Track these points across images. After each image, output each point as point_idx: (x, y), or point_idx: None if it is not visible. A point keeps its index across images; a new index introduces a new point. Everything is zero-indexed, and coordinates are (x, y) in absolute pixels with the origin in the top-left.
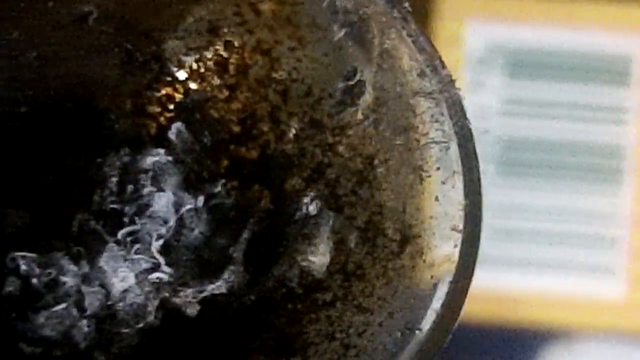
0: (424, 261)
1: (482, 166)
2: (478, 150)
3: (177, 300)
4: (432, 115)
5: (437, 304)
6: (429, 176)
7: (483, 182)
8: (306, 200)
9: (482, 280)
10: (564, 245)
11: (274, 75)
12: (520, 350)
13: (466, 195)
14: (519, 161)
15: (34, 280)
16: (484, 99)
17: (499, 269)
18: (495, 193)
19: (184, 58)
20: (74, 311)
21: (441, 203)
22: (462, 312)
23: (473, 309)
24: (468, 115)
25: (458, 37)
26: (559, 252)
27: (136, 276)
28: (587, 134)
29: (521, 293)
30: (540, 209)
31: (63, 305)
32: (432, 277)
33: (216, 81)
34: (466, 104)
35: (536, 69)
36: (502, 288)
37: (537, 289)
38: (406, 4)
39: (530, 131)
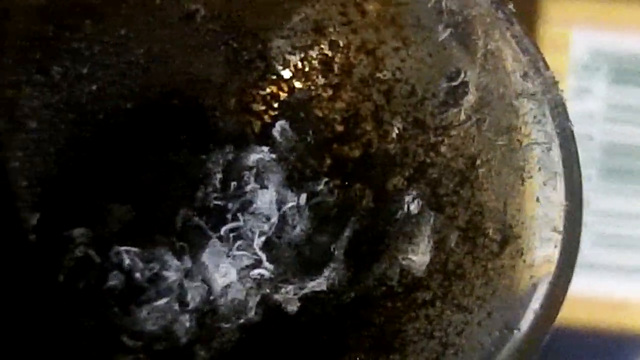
0: (524, 261)
1: (585, 171)
2: (581, 155)
3: (277, 296)
4: (534, 117)
5: (535, 304)
6: (530, 177)
7: (585, 187)
8: (408, 199)
9: (582, 285)
10: None
11: (378, 74)
12: (619, 356)
13: (567, 197)
14: (622, 167)
15: (137, 275)
16: (588, 105)
17: (599, 275)
18: (597, 199)
19: (289, 57)
20: (176, 306)
21: (542, 204)
22: (560, 314)
23: (572, 314)
24: (571, 119)
25: (563, 43)
26: None
27: (238, 272)
28: None
29: (621, 299)
30: None
31: (165, 300)
32: (531, 277)
33: (320, 80)
34: (570, 109)
35: None
36: (602, 294)
37: (638, 296)
38: (511, 6)
39: (634, 138)
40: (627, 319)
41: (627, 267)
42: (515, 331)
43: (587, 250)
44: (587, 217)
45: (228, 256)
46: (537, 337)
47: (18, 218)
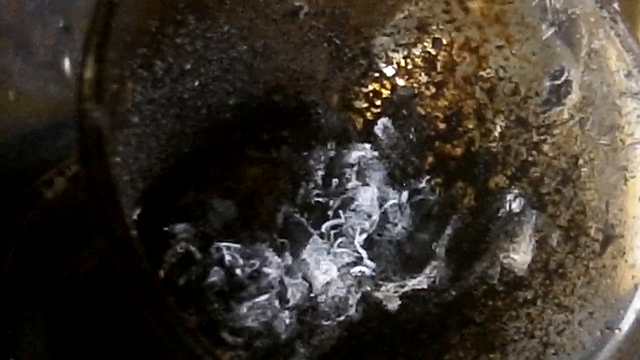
0: (626, 261)
1: None
2: None
3: (378, 294)
4: (638, 116)
5: (637, 304)
6: (634, 177)
7: None
8: (510, 197)
9: None
10: None
11: (481, 73)
12: None
13: None
14: None
15: (238, 271)
16: None
17: None
18: None
19: (392, 54)
20: (276, 302)
21: None
22: None
23: None
24: None
25: None
26: None
27: (339, 269)
28: None
29: None
30: None
31: (266, 297)
32: (633, 277)
33: (423, 78)
34: None
35: None
36: None
37: None
38: (615, 5)
39: None
40: None
41: None
42: (616, 331)
43: None
44: None
45: (329, 253)
46: (638, 338)
47: (120, 213)
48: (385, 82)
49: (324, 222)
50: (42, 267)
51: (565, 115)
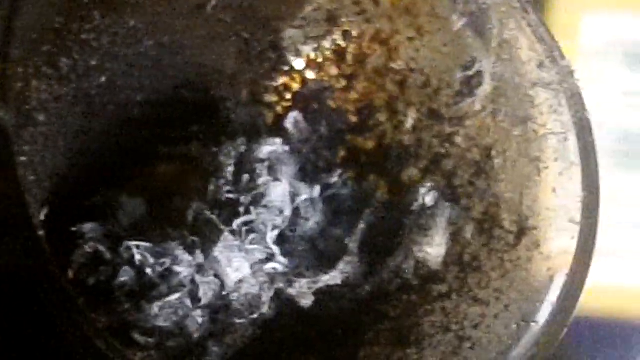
0: (541, 253)
1: (598, 159)
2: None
3: (291, 291)
4: (550, 107)
5: (553, 296)
6: (547, 168)
7: (599, 174)
8: (423, 191)
9: (596, 272)
10: None
11: (392, 65)
12: (634, 345)
13: (584, 187)
14: (636, 154)
15: (148, 270)
16: (602, 91)
17: (614, 262)
18: (611, 186)
19: (301, 47)
20: (188, 301)
21: (558, 195)
22: (579, 305)
23: (587, 302)
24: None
25: (575, 29)
26: None
27: (251, 267)
28: None
29: (635, 286)
30: None
31: (177, 296)
32: (548, 269)
33: (334, 71)
34: (583, 96)
35: None
36: (617, 281)
37: None
38: None
39: None
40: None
41: None
42: (532, 324)
43: (600, 237)
44: (601, 205)
45: (241, 250)
46: (555, 330)
47: (27, 213)
48: (295, 75)
49: (235, 218)
50: None
51: (478, 107)
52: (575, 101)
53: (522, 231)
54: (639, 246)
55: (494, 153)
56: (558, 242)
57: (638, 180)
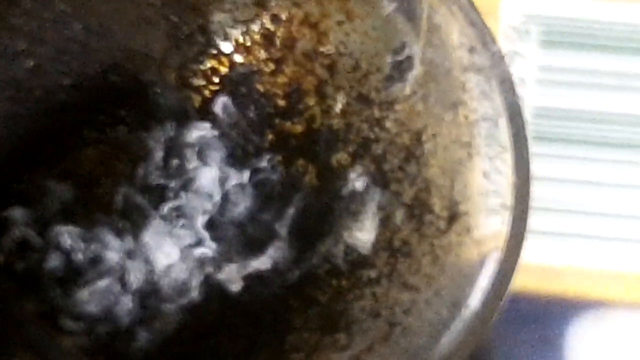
0: (472, 238)
1: (530, 144)
2: None
3: (220, 276)
4: (481, 92)
5: (484, 281)
6: (478, 152)
7: None
8: (352, 175)
9: (527, 252)
10: (602, 218)
11: (321, 49)
12: (550, 322)
13: (515, 172)
14: (553, 131)
15: (78, 255)
16: (519, 69)
17: (539, 241)
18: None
19: (230, 31)
20: (118, 287)
21: (490, 180)
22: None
23: (519, 280)
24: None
25: (493, 7)
26: (598, 225)
27: (180, 252)
28: (622, 104)
29: (552, 265)
30: (576, 180)
31: (107, 281)
32: (479, 254)
33: (262, 54)
34: (514, 81)
35: (571, 38)
36: (534, 260)
37: (579, 261)
38: None
39: (565, 101)
40: (557, 285)
41: (557, 233)
42: (463, 309)
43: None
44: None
45: (171, 235)
46: (486, 315)
47: None
48: (223, 59)
49: (165, 203)
50: None
51: (408, 91)
52: (506, 86)
53: (453, 216)
54: (552, 223)
55: (424, 138)
56: (489, 227)
57: (553, 156)
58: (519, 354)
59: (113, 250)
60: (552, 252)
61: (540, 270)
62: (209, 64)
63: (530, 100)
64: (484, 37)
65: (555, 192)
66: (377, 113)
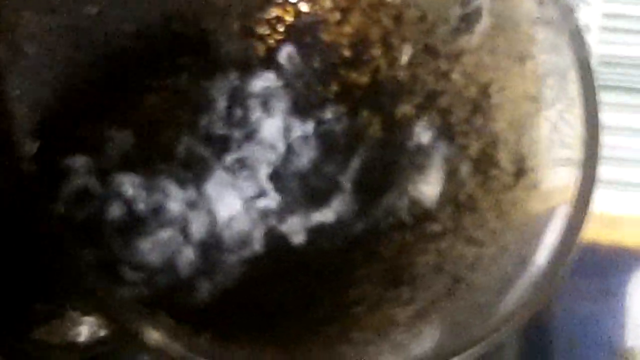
0: (539, 193)
1: (599, 98)
2: None
3: (283, 228)
4: (550, 45)
5: (551, 237)
6: (546, 107)
7: None
8: (418, 128)
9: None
10: None
11: None
12: (611, 272)
13: (584, 127)
14: (616, 78)
15: (140, 206)
16: (584, 16)
17: (601, 190)
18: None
19: None
20: (179, 238)
21: (558, 134)
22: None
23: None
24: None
25: None
26: None
27: (243, 203)
28: None
29: (614, 215)
30: (638, 129)
31: (168, 232)
32: (547, 210)
33: (328, 4)
34: (583, 34)
35: None
36: (606, 209)
37: (629, 211)
38: None
39: (628, 48)
40: (618, 235)
41: (619, 182)
42: (530, 266)
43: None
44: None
45: (233, 187)
46: (553, 272)
47: (16, 147)
48: (288, 8)
49: (228, 154)
50: None
51: (475, 43)
52: (576, 39)
53: (519, 171)
54: (615, 172)
55: (491, 91)
56: (557, 182)
57: (618, 106)
58: (578, 305)
59: (175, 200)
60: (614, 202)
61: (601, 220)
62: (274, 12)
63: (594, 48)
64: None
65: (617, 141)
66: (443, 65)
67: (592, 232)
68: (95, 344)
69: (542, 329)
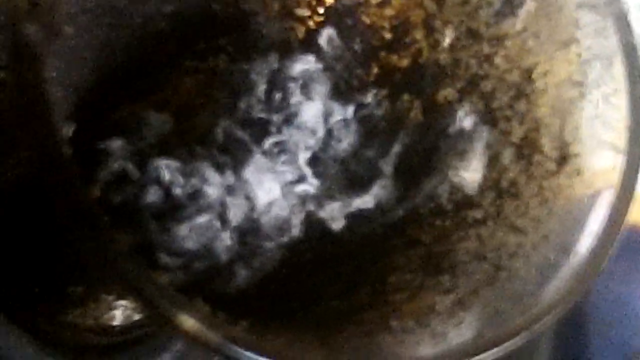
0: (582, 181)
1: None
2: None
3: (322, 214)
4: (595, 29)
5: (594, 226)
6: (590, 92)
7: None
8: (459, 112)
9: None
10: None
11: None
12: None
13: (629, 113)
14: None
15: (177, 190)
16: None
17: None
18: None
19: None
20: (217, 223)
21: (602, 121)
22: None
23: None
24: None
25: None
26: None
27: (282, 188)
28: None
29: None
30: None
31: (206, 217)
32: (590, 197)
33: None
34: (629, 19)
35: None
36: None
37: None
38: None
39: None
40: None
41: None
42: (572, 254)
43: None
44: None
45: (272, 171)
46: (597, 261)
47: (53, 130)
48: None
49: (267, 138)
50: None
51: (519, 27)
52: (621, 24)
53: (563, 158)
54: None
55: (534, 75)
56: (601, 170)
57: None
58: (617, 286)
59: (213, 185)
60: None
61: None
62: None
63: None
64: None
65: None
66: (486, 49)
67: (634, 214)
68: (129, 328)
69: (578, 309)
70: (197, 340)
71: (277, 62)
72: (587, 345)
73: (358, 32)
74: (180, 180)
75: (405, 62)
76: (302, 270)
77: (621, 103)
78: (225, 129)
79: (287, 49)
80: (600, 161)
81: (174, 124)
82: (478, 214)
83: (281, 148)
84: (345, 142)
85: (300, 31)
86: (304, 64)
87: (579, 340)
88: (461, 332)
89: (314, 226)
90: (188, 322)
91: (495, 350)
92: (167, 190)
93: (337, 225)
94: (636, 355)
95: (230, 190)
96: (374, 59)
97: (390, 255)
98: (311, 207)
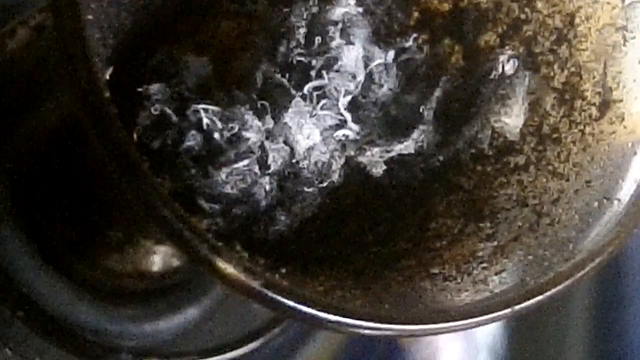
0: (625, 127)
1: None
2: None
3: (362, 159)
4: None
5: (637, 173)
6: (633, 37)
7: None
8: (501, 57)
9: None
10: None
11: None
12: None
13: None
14: None
15: (216, 135)
16: None
17: None
18: None
19: None
20: (256, 168)
21: None
22: None
23: None
24: None
25: None
26: None
27: (321, 133)
28: None
29: None
30: None
31: (245, 162)
32: (633, 144)
33: None
34: None
35: None
36: None
37: None
38: None
39: None
40: None
41: None
42: (615, 202)
43: None
44: None
45: (312, 116)
46: (637, 209)
47: (92, 73)
48: None
49: (307, 83)
50: (3, 118)
51: None
52: None
53: (605, 103)
54: None
55: (577, 20)
56: None
57: None
58: None
59: (252, 130)
60: None
61: None
62: None
63: None
64: None
65: None
66: None
67: None
68: (168, 273)
69: (615, 259)
70: (235, 286)
71: (317, 5)
72: (625, 289)
73: None
74: (219, 124)
75: (446, 6)
76: (342, 216)
77: None
78: (264, 73)
79: None
80: None
81: (213, 68)
82: (519, 159)
83: (321, 92)
84: (386, 87)
85: None
86: (344, 8)
87: (618, 283)
88: (503, 279)
89: (354, 171)
90: (227, 268)
91: (539, 298)
92: (206, 135)
93: (377, 170)
94: None
95: (269, 135)
96: (415, 3)
97: (430, 201)
98: (351, 152)
